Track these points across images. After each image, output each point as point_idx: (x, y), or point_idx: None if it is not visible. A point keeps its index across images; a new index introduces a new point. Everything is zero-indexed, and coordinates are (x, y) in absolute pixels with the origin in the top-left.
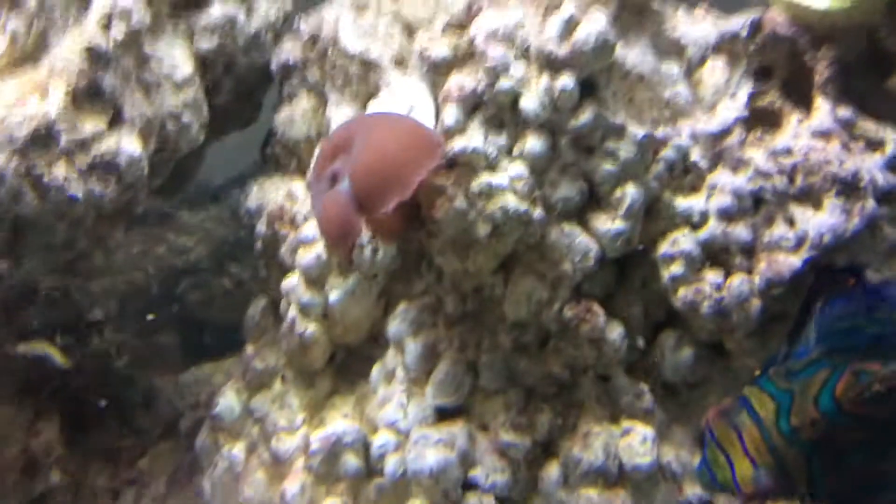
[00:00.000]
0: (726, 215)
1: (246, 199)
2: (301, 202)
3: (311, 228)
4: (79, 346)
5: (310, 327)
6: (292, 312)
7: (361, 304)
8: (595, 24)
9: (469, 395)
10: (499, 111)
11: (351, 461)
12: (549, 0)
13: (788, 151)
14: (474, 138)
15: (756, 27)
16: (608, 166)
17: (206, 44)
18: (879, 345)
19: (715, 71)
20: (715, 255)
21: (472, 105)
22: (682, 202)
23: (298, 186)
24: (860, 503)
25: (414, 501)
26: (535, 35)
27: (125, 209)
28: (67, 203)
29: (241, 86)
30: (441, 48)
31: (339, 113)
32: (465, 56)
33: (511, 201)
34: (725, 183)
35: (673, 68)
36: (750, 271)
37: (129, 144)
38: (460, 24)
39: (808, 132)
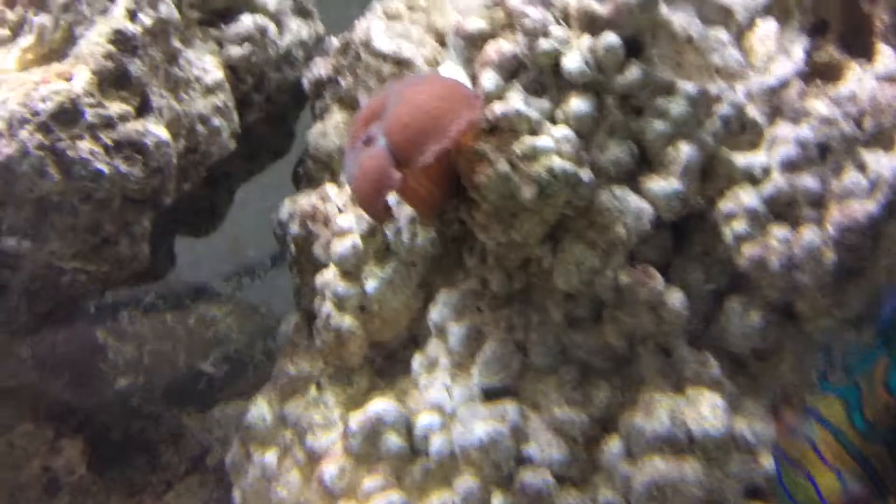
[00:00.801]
0: (791, 165)
1: (278, 212)
2: (334, 202)
3: (345, 220)
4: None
5: (346, 321)
6: (327, 307)
7: (400, 293)
8: None
9: (518, 375)
10: (539, 75)
11: (393, 440)
12: None
13: (853, 97)
14: (515, 101)
15: None
16: (659, 125)
17: (236, 52)
18: None
19: (766, 32)
20: (780, 211)
21: (512, 70)
22: (741, 158)
23: (331, 188)
24: None
25: (463, 478)
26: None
27: (152, 197)
28: (92, 179)
29: (273, 106)
30: (477, 21)
31: None
32: (503, 27)
33: (557, 162)
34: (787, 134)
35: (722, 33)
36: (820, 223)
37: (156, 129)
38: (495, 3)
39: (872, 77)
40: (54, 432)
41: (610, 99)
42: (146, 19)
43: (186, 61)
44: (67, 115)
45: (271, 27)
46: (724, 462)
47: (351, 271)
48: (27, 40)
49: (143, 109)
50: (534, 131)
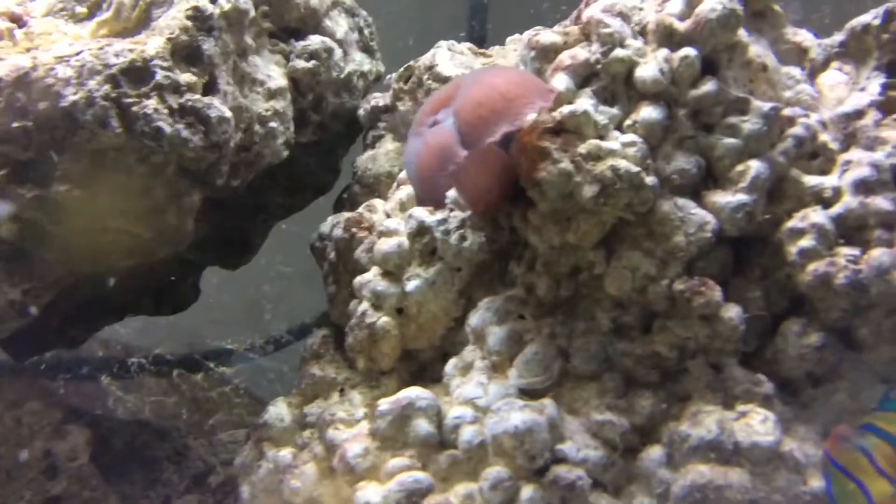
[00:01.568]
0: (864, 186)
1: (320, 227)
2: (380, 210)
3: (392, 222)
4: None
5: (382, 318)
6: (364, 306)
7: (440, 297)
8: None
9: (558, 380)
10: (611, 83)
11: (423, 425)
12: None
13: None
14: (584, 103)
15: (890, 16)
16: (730, 140)
17: (301, 65)
18: None
19: (841, 71)
20: (850, 234)
21: (584, 76)
22: (813, 179)
23: (378, 201)
24: None
25: (493, 467)
26: (654, 14)
27: (206, 173)
28: (153, 137)
29: (325, 133)
30: (550, 35)
31: None
32: (576, 41)
33: (622, 163)
34: (862, 157)
35: (795, 70)
36: (891, 245)
37: (220, 105)
38: (572, 21)
39: None
40: (62, 414)
41: (681, 112)
42: (225, 3)
43: (254, 63)
44: (138, 73)
45: (338, 51)
46: (770, 476)
47: (393, 271)
48: (104, 15)
49: (211, 88)
50: (601, 136)
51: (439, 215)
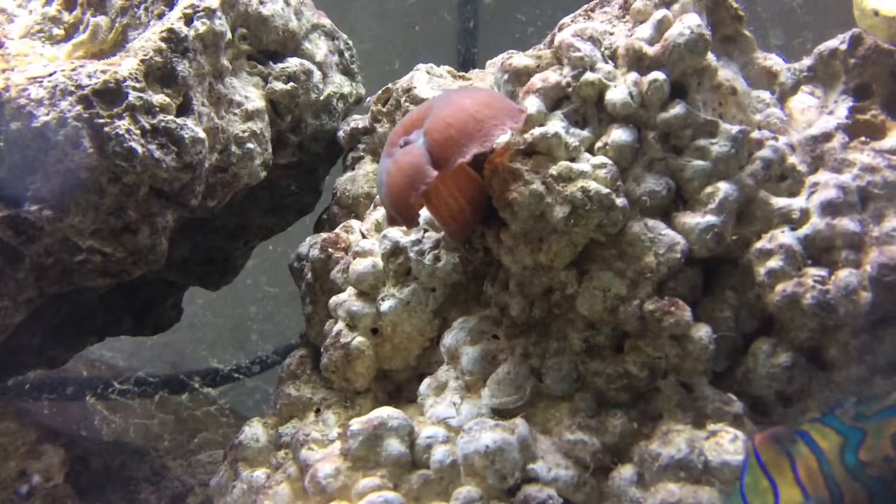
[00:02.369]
0: (831, 208)
1: (298, 248)
2: (357, 230)
3: (367, 243)
4: None
5: (357, 338)
6: (339, 326)
7: (415, 318)
8: (690, 19)
9: (531, 400)
10: (582, 105)
11: (394, 445)
12: (637, 15)
13: None
14: (555, 125)
15: (856, 41)
16: (699, 162)
17: (279, 87)
18: None
19: (812, 95)
20: (818, 255)
21: (555, 100)
22: (781, 201)
23: (355, 222)
24: None
25: (464, 487)
26: (624, 38)
27: (180, 194)
28: (125, 157)
29: (305, 154)
30: (523, 58)
31: None
32: (548, 65)
33: (592, 184)
34: (829, 179)
35: (765, 94)
36: (858, 266)
37: (194, 126)
38: (546, 45)
39: None
40: (38, 435)
41: (651, 134)
42: (200, 25)
43: (231, 85)
44: (111, 94)
45: (317, 73)
46: None
47: (368, 292)
48: (79, 37)
49: (185, 110)
50: (572, 158)
51: (413, 236)
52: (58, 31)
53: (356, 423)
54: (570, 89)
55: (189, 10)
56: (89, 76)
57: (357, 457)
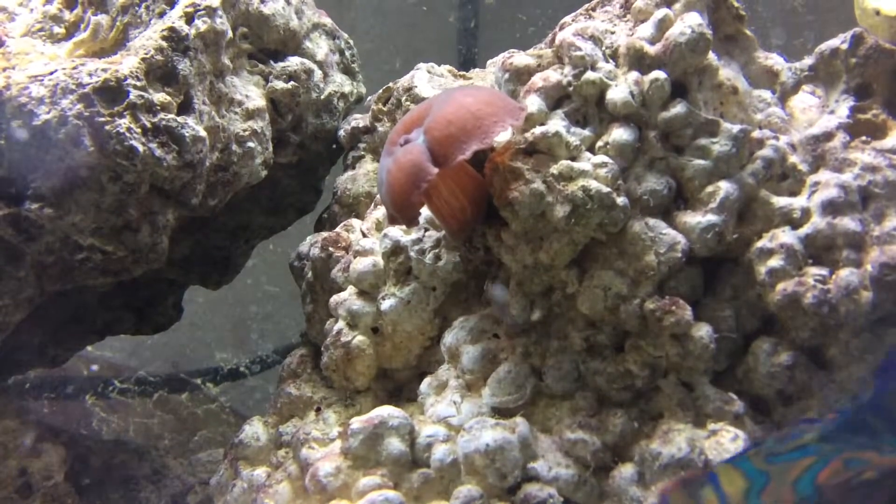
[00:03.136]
0: (832, 207)
1: (298, 247)
2: (357, 230)
3: (368, 241)
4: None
5: (357, 337)
6: (339, 325)
7: (415, 316)
8: (691, 18)
9: (531, 401)
10: (583, 105)
11: (395, 443)
12: (639, 14)
13: None
14: (555, 124)
15: (857, 40)
16: (700, 162)
17: (280, 86)
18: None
19: (813, 94)
20: (819, 254)
21: (556, 99)
22: (782, 200)
23: (356, 221)
24: None
25: (465, 486)
26: (625, 38)
27: (180, 192)
28: (125, 156)
29: (306, 153)
30: (524, 57)
31: None
32: (549, 64)
33: (593, 183)
34: (830, 179)
35: (766, 93)
36: (860, 265)
37: (195, 124)
38: (546, 44)
39: None
40: (36, 433)
41: (652, 133)
42: (201, 24)
43: (232, 84)
44: (111, 92)
45: (317, 72)
46: None
47: (368, 291)
48: (80, 35)
49: (186, 108)
50: (573, 157)
51: (414, 235)
52: (59, 30)
53: (357, 422)
54: (570, 88)
55: (190, 9)
56: (90, 74)
57: (357, 455)
